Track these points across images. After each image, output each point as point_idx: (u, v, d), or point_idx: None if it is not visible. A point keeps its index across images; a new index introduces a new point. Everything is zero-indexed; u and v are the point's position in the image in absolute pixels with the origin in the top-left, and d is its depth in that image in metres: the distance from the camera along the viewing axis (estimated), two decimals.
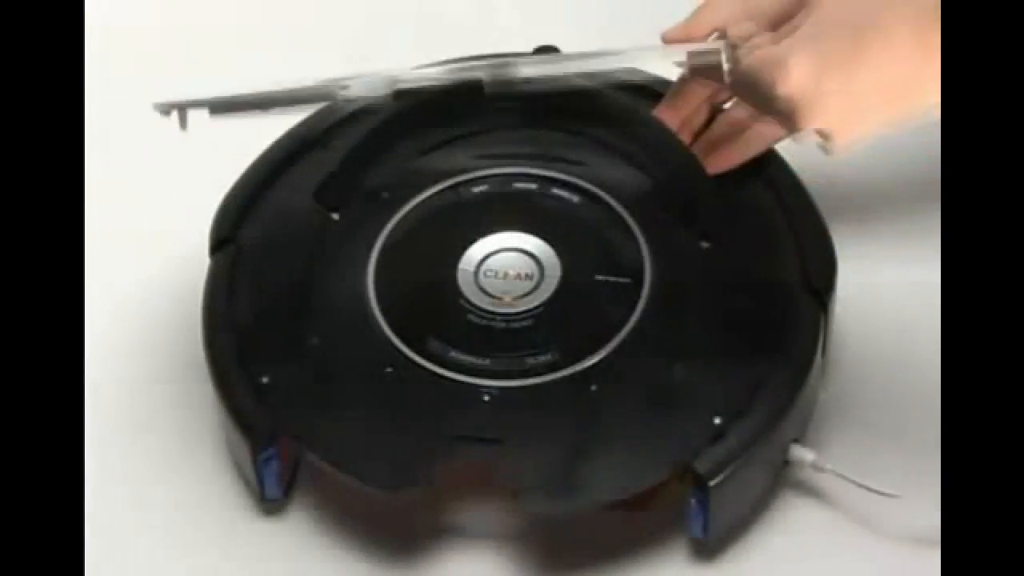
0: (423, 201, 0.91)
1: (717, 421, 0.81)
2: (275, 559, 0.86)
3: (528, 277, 0.87)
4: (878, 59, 0.72)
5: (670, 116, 0.91)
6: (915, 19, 0.72)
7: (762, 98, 0.75)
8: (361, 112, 0.95)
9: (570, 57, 0.90)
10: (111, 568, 0.85)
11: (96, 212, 0.90)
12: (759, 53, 0.76)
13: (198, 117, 1.05)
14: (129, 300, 0.97)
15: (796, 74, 0.73)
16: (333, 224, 0.91)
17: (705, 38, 0.86)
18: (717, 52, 0.77)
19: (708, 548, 0.84)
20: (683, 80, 0.90)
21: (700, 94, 0.90)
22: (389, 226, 0.90)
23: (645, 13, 1.10)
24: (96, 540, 0.82)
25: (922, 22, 0.72)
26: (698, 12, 0.87)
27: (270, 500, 0.86)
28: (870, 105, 0.74)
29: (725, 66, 0.76)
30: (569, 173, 0.91)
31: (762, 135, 0.89)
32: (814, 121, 0.76)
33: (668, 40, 0.88)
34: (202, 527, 0.87)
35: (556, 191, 0.91)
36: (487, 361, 0.84)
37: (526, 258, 0.88)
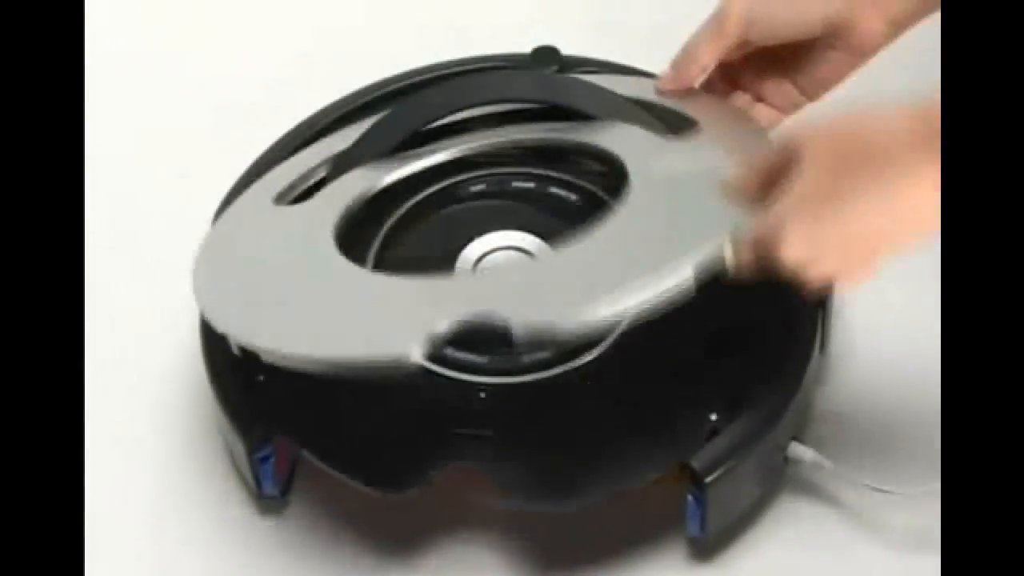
0: (421, 200, 0.91)
1: (713, 418, 0.81)
2: (274, 558, 0.86)
3: None
4: (865, 212, 0.74)
5: None
6: (895, 168, 0.74)
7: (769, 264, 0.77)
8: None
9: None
10: (111, 567, 0.85)
11: (96, 211, 0.90)
12: (756, 231, 0.77)
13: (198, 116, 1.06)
14: (127, 299, 0.97)
15: (792, 243, 0.75)
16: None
17: (694, 79, 0.88)
18: (721, 252, 0.78)
19: (707, 547, 0.84)
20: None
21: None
22: (387, 225, 0.90)
23: (643, 12, 1.11)
24: (96, 539, 0.82)
25: (900, 169, 0.73)
26: (686, 54, 0.88)
27: (267, 499, 0.86)
28: (868, 251, 0.76)
29: (729, 262, 0.78)
30: (567, 172, 0.91)
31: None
32: (821, 276, 0.78)
33: (663, 89, 0.89)
34: (201, 526, 0.87)
35: (554, 190, 0.91)
36: (484, 359, 0.84)
37: (523, 256, 0.88)
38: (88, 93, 0.87)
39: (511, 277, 0.82)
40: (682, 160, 0.84)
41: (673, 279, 0.76)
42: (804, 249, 0.75)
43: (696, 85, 0.89)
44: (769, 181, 0.77)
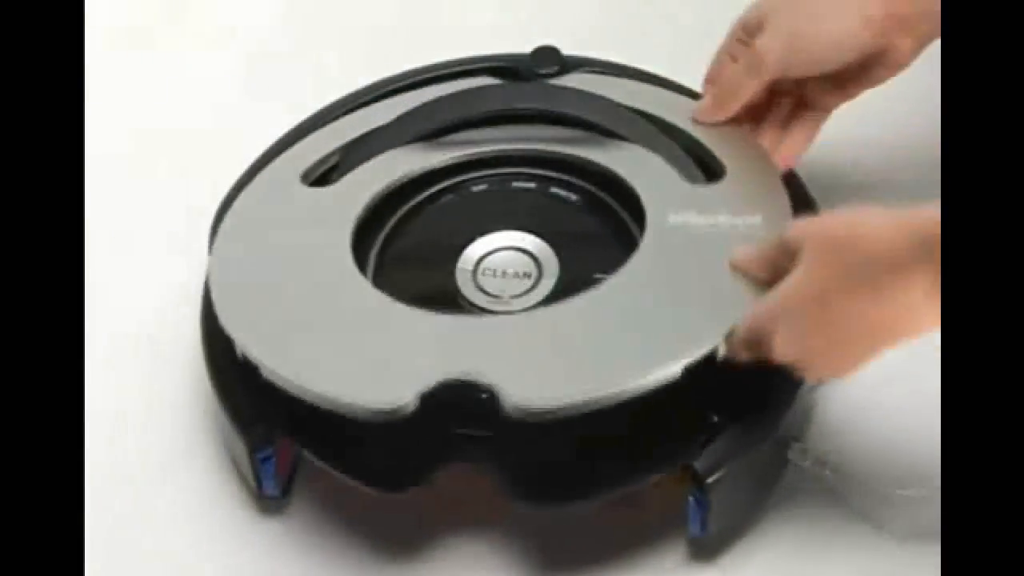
0: (422, 200, 0.91)
1: (715, 419, 0.81)
2: (275, 558, 0.86)
3: (526, 276, 0.87)
4: (852, 321, 0.76)
5: None
6: (885, 279, 0.75)
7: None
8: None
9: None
10: (111, 567, 0.85)
11: (95, 211, 0.90)
12: (747, 327, 0.79)
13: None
14: (128, 298, 0.97)
15: (781, 347, 0.78)
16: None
17: (732, 114, 0.90)
18: (716, 346, 0.81)
19: (708, 547, 0.84)
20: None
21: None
22: (388, 225, 0.90)
23: (643, 12, 1.11)
24: (96, 539, 0.82)
25: (890, 280, 0.75)
26: (724, 90, 0.90)
27: (268, 499, 0.86)
28: (854, 357, 0.78)
29: (722, 351, 0.81)
30: (568, 172, 0.91)
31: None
32: (810, 375, 0.81)
33: (699, 120, 0.91)
34: (201, 526, 0.87)
35: (555, 190, 0.91)
36: None
37: (524, 257, 0.88)
38: (88, 92, 0.87)
39: (512, 333, 0.83)
40: (701, 219, 0.86)
41: (664, 373, 0.79)
42: (793, 354, 0.78)
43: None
44: (774, 268, 0.80)
